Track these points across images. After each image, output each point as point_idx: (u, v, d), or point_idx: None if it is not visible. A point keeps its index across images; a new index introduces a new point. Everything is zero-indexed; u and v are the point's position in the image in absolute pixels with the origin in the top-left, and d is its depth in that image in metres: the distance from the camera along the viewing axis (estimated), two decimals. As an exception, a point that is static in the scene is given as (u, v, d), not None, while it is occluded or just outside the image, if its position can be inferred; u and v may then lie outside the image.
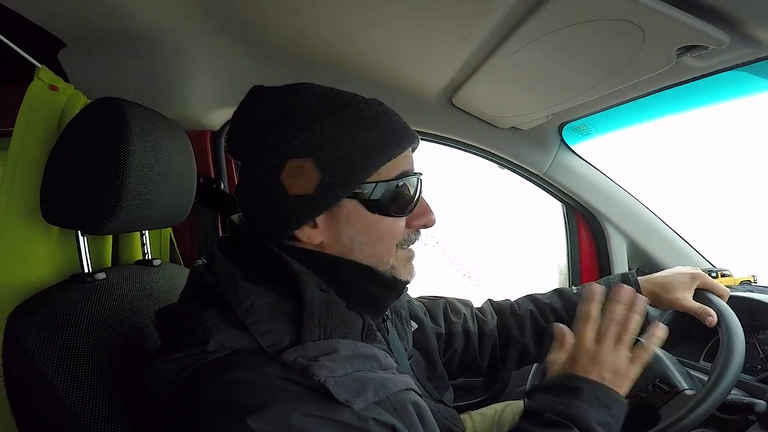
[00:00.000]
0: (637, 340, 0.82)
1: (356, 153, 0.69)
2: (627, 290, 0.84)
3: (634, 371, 0.80)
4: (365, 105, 0.73)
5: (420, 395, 0.76)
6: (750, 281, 1.52)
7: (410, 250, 0.81)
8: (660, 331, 0.82)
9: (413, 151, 0.79)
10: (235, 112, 0.76)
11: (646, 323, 0.85)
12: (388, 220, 0.75)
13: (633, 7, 0.80)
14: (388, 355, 0.74)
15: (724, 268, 1.54)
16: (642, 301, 0.83)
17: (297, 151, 0.68)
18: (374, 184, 0.72)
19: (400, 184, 0.74)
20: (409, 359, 0.93)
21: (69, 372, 0.76)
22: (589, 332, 0.82)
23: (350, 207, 0.72)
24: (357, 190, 0.71)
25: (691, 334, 1.32)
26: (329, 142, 0.68)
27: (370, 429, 0.63)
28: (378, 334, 0.77)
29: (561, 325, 0.88)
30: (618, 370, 0.78)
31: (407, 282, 0.81)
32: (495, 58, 1.09)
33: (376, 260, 0.76)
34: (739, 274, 1.53)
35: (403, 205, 0.75)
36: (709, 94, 1.19)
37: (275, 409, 0.59)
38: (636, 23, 0.84)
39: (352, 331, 0.71)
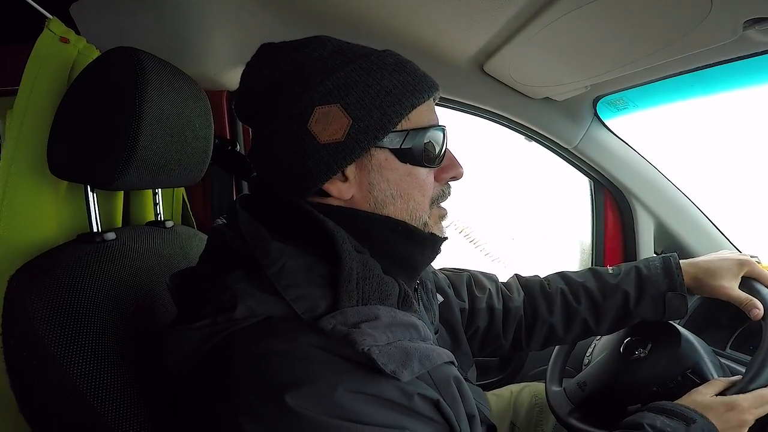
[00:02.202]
0: None
1: (386, 97, 0.66)
2: None
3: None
4: (386, 53, 0.70)
5: (457, 367, 0.72)
6: (778, 269, 1.47)
7: (443, 209, 0.78)
8: None
9: (435, 100, 0.76)
10: (244, 71, 0.73)
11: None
12: (421, 172, 0.72)
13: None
14: (425, 326, 0.70)
15: (754, 255, 1.49)
16: None
17: (324, 97, 0.65)
18: (405, 132, 0.69)
19: (429, 134, 0.71)
20: (435, 333, 0.89)
21: (72, 340, 0.71)
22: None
23: (381, 157, 0.69)
24: (387, 139, 0.68)
25: (718, 321, 1.28)
26: (356, 87, 0.66)
27: (415, 406, 0.60)
28: (414, 302, 0.72)
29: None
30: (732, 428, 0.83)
31: (445, 239, 0.77)
32: (536, 24, 1.02)
33: (408, 216, 0.72)
34: (767, 261, 1.48)
35: (433, 155, 0.72)
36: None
37: (316, 385, 0.55)
38: (704, -11, 0.77)
39: (390, 297, 0.67)
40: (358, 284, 0.63)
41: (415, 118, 0.70)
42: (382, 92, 0.66)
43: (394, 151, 0.69)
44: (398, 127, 0.68)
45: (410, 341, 0.64)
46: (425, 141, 0.70)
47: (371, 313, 0.62)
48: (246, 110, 0.73)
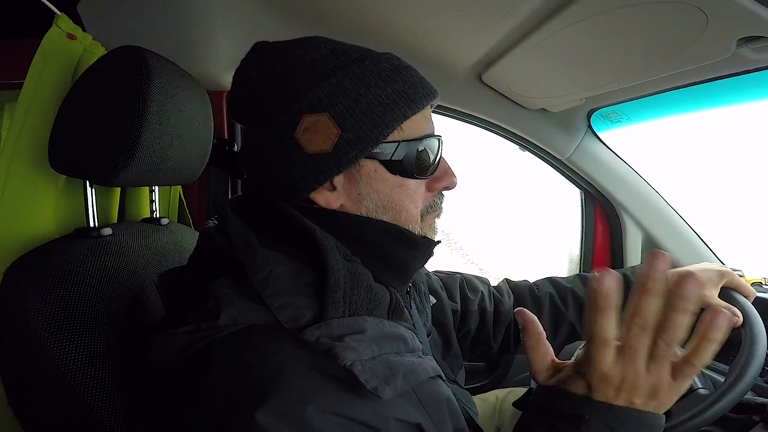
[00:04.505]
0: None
1: (377, 107, 0.63)
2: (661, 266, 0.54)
3: (678, 390, 0.55)
4: (382, 57, 0.67)
5: (449, 383, 0.71)
6: (761, 283, 1.50)
7: (437, 211, 0.75)
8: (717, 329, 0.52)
9: (432, 107, 0.73)
10: (237, 69, 0.70)
11: None
12: (411, 183, 0.69)
13: (700, -10, 0.75)
14: (414, 336, 0.68)
15: (737, 269, 1.51)
16: (693, 285, 0.52)
17: (313, 105, 0.62)
18: (396, 143, 0.66)
19: (422, 145, 0.68)
20: (428, 335, 0.89)
21: (67, 334, 0.71)
22: (609, 349, 0.56)
23: (371, 168, 0.67)
24: (377, 150, 0.65)
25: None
26: (347, 95, 0.63)
27: (390, 431, 0.56)
28: (405, 310, 0.70)
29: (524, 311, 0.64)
30: (656, 392, 0.55)
31: (438, 242, 0.75)
32: (536, 36, 1.04)
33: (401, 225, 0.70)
34: (750, 275, 1.51)
35: (425, 166, 0.70)
36: (758, 88, 1.14)
37: (287, 401, 0.52)
38: (701, 8, 0.79)
39: (379, 307, 0.65)
40: (345, 294, 0.61)
41: (408, 128, 0.67)
42: (374, 102, 0.63)
43: (384, 162, 0.67)
44: (389, 138, 0.65)
45: (397, 354, 0.62)
46: (417, 152, 0.68)
47: (358, 325, 0.60)
48: (237, 111, 0.72)
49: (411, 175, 0.68)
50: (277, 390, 0.53)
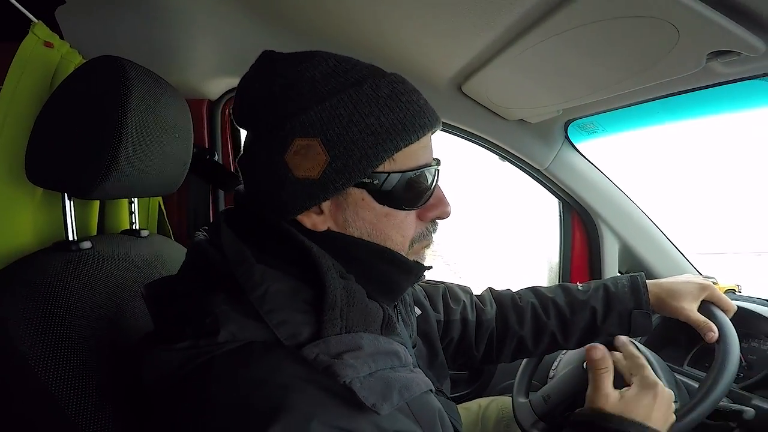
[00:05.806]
0: None
1: (369, 137, 0.61)
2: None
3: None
4: (384, 81, 0.64)
5: (435, 393, 0.72)
6: (734, 290, 1.54)
7: (427, 240, 0.74)
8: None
9: (432, 134, 0.70)
10: (242, 77, 0.69)
11: None
12: (399, 213, 0.68)
13: (672, 6, 0.77)
14: (406, 350, 0.69)
15: (711, 277, 1.55)
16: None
17: (305, 128, 0.60)
18: (386, 174, 0.64)
19: (416, 175, 0.66)
20: (413, 347, 0.89)
21: (48, 349, 0.70)
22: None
23: (358, 196, 0.65)
24: (366, 179, 0.63)
25: (676, 340, 1.33)
26: (339, 122, 0.60)
27: None
28: (397, 326, 0.71)
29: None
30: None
31: (429, 267, 0.75)
32: (515, 48, 1.05)
33: None
34: (724, 283, 1.54)
35: (417, 197, 0.68)
36: (729, 101, 1.17)
37: (292, 416, 0.53)
38: (672, 23, 0.81)
39: (374, 323, 0.66)
40: (342, 312, 0.61)
41: (401, 159, 0.65)
42: (366, 131, 0.61)
43: (371, 192, 0.65)
44: (379, 169, 0.64)
45: (392, 370, 0.63)
46: (408, 183, 0.66)
47: (354, 342, 0.61)
48: (240, 119, 0.70)
49: (399, 207, 0.67)
50: (282, 407, 0.53)
